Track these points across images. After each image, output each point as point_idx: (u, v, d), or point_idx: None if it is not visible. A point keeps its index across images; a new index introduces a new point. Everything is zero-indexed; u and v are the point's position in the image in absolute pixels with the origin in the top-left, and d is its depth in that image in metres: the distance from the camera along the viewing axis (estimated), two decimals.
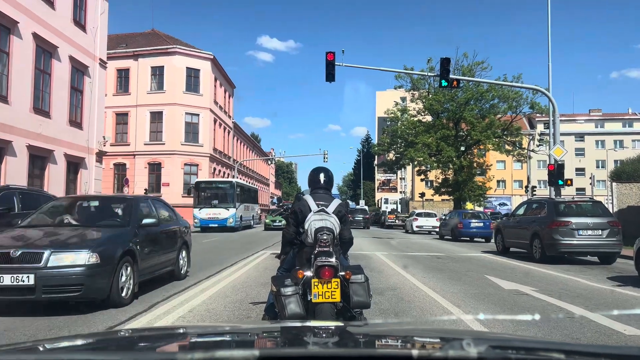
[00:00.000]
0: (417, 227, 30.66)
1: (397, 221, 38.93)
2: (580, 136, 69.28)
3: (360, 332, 1.84)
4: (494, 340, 1.45)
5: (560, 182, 18.02)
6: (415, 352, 1.10)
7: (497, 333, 4.45)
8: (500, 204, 66.73)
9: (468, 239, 22.52)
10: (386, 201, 47.96)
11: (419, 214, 32.82)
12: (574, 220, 12.21)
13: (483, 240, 22.21)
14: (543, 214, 13.13)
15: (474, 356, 1.07)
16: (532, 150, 40.21)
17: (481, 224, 22.38)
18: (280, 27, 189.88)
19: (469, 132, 37.80)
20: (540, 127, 59.65)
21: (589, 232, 12.11)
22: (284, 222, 26.98)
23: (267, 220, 31.43)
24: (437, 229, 27.28)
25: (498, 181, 67.36)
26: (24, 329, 5.02)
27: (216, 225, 27.88)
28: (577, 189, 60.70)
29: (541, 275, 9.78)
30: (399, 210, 44.03)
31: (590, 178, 33.72)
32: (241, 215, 30.38)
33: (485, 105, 38.13)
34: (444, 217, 26.38)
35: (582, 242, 12.09)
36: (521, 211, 15.08)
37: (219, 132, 45.08)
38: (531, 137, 43.22)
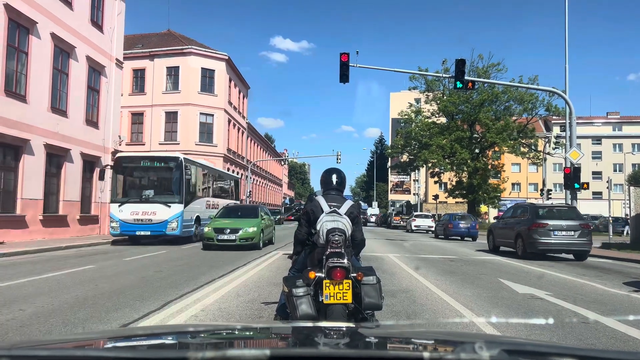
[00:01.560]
0: (415, 226, 34.47)
1: (401, 222, 41.83)
2: (597, 139, 68.37)
3: (372, 334, 1.83)
4: (506, 343, 1.43)
5: (577, 186, 17.79)
6: (426, 355, 1.09)
7: (510, 337, 4.40)
8: None
9: (459, 237, 25.70)
10: (393, 204, 50.84)
11: (417, 216, 36.81)
12: (550, 222, 13.97)
13: (470, 239, 25.11)
14: (525, 217, 14.88)
15: (486, 359, 1.06)
16: (548, 153, 39.80)
17: (468, 225, 25.55)
18: (294, 27, 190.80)
19: (483, 134, 37.58)
20: (556, 130, 58.99)
21: (563, 232, 13.94)
22: (242, 233, 15.24)
23: (206, 230, 16.01)
24: (433, 229, 30.74)
25: (513, 184, 66.75)
26: (38, 325, 5.09)
27: (148, 232, 17.20)
28: (594, 193, 59.92)
29: (556, 279, 9.66)
30: (404, 212, 46.46)
31: (607, 182, 33.29)
32: (198, 217, 19.50)
33: (500, 107, 37.88)
34: (441, 220, 29.24)
35: (557, 241, 13.89)
36: (509, 215, 16.76)
37: (233, 132, 45.30)
38: (547, 140, 42.79)
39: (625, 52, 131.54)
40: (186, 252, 14.77)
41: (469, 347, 1.19)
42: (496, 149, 39.10)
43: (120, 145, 23.40)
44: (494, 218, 26.76)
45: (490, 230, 17.72)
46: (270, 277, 8.85)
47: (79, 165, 19.72)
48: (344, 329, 1.92)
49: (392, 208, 49.99)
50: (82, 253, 13.72)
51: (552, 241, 13.84)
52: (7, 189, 15.90)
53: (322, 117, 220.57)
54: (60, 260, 11.68)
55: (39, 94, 17.13)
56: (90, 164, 20.74)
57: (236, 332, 1.84)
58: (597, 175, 63.76)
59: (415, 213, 39.63)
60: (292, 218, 49.39)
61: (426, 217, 35.99)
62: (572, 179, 17.80)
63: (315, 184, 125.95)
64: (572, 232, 13.93)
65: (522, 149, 38.76)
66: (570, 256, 14.65)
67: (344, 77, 17.91)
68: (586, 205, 51.93)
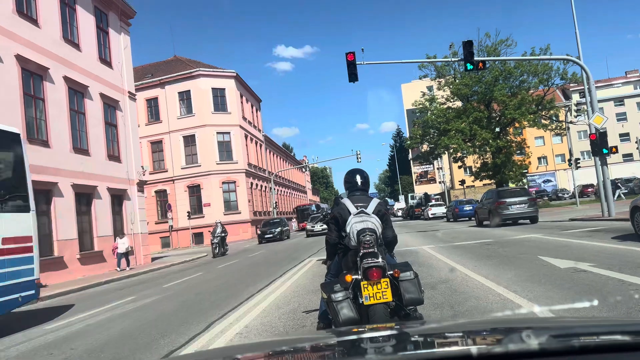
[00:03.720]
0: (431, 214, 39.46)
1: (422, 213, 45.01)
2: (619, 100, 66.61)
3: (417, 332, 1.81)
4: (554, 328, 1.40)
5: (605, 151, 17.37)
6: (474, 349, 1.07)
7: (557, 318, 4.31)
8: (544, 181, 64.80)
9: (467, 218, 29.88)
10: (413, 197, 54.25)
11: (432, 205, 42.54)
12: (508, 200, 20.34)
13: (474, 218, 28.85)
14: (492, 199, 21.33)
15: (536, 348, 1.04)
16: (570, 122, 38.91)
17: (470, 208, 29.90)
18: (294, 34, 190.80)
19: (502, 111, 37.01)
20: (575, 97, 57.69)
21: (517, 205, 20.13)
22: None
23: None
24: (446, 214, 35.79)
25: (539, 158, 65.52)
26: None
27: None
28: (624, 155, 58.41)
29: (597, 249, 9.44)
30: (423, 203, 49.72)
31: (637, 142, 32.52)
32: None
33: (515, 82, 37.25)
34: (449, 206, 35.00)
35: (513, 212, 20.10)
36: (484, 198, 23.37)
37: (251, 146, 45.66)
38: (567, 109, 41.91)
39: (635, 9, 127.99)
40: None
41: (516, 337, 1.17)
42: (517, 125, 38.44)
43: (144, 175, 23.82)
44: (454, 204, 33.39)
45: (475, 210, 24.93)
46: (307, 285, 8.86)
47: (107, 200, 20.13)
48: (389, 332, 1.90)
49: (412, 201, 53.15)
50: (122, 286, 13.98)
51: (511, 212, 20.06)
52: (43, 232, 16.29)
53: (336, 119, 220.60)
54: (102, 295, 11.93)
55: (60, 136, 17.56)
56: (117, 197, 21.16)
57: (280, 348, 1.85)
58: (624, 137, 62.13)
59: (430, 203, 44.89)
60: (307, 226, 36.05)
61: (440, 205, 41.81)
62: (599, 144, 17.39)
63: (339, 186, 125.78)
64: (524, 205, 20.11)
65: (543, 121, 38.02)
66: (581, 230, 14.81)
67: (353, 76, 17.86)
68: (618, 169, 50.56)
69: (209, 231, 24.34)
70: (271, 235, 31.75)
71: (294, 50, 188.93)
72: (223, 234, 22.98)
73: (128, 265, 19.07)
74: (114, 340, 6.16)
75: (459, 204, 32.40)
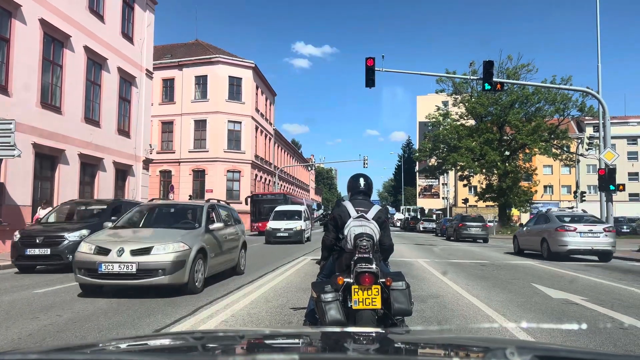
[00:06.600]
0: (423, 227, 44.02)
1: (416, 226, 49.24)
2: (633, 139, 66.25)
3: (401, 339, 1.81)
4: (539, 350, 1.39)
5: (612, 188, 17.30)
6: None
7: (542, 342, 4.29)
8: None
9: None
10: (408, 210, 63.42)
11: (424, 220, 48.32)
12: (468, 223, 27.02)
13: None
14: (457, 221, 28.28)
15: None
16: (581, 155, 38.79)
17: None
18: (315, 32, 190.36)
19: (514, 136, 36.94)
20: (589, 130, 57.44)
21: (474, 228, 26.66)
22: None
23: None
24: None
25: (545, 187, 65.22)
26: (74, 330, 5.22)
27: None
28: (630, 195, 58.10)
29: (592, 284, 9.39)
30: (418, 217, 55.19)
31: None
32: None
33: (531, 108, 37.15)
34: (439, 222, 39.73)
35: (471, 232, 26.62)
36: (454, 219, 30.01)
37: (260, 139, 45.69)
38: (580, 141, 41.81)
39: None
40: None
41: (500, 353, 1.17)
42: (527, 150, 38.37)
43: (151, 153, 23.89)
44: (443, 221, 37.43)
45: (446, 229, 31.54)
46: (298, 283, 8.86)
47: (111, 173, 20.20)
48: (373, 334, 1.90)
49: (408, 214, 59.88)
50: None
51: (468, 232, 26.57)
52: (44, 197, 16.38)
53: (347, 122, 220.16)
54: None
55: (73, 105, 17.64)
56: (122, 172, 21.24)
57: (265, 337, 1.86)
58: (633, 176, 61.81)
59: (423, 218, 51.81)
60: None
61: (431, 220, 47.15)
62: (606, 180, 17.31)
63: (343, 189, 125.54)
64: (479, 228, 26.64)
65: (554, 150, 37.92)
66: (593, 257, 14.95)
67: (370, 81, 17.84)
68: (623, 207, 50.31)
69: None
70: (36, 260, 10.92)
71: (313, 48, 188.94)
72: None
73: None
74: (99, 312, 6.18)
75: (446, 221, 36.53)
